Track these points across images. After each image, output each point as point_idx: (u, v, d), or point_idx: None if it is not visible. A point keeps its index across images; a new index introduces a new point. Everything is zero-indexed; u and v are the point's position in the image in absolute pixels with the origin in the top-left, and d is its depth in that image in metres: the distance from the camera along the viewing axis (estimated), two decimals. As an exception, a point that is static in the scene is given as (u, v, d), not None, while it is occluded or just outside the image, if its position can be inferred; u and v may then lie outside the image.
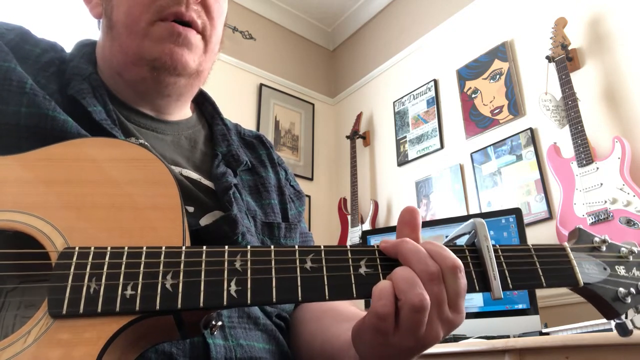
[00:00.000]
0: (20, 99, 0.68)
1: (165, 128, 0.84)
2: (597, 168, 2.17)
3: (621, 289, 0.63)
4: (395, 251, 0.55)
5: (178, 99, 0.85)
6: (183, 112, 0.90)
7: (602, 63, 2.42)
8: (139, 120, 0.81)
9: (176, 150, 0.83)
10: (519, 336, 1.76)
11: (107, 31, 0.81)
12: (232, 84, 3.58)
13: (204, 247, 0.52)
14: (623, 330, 0.63)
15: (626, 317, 0.63)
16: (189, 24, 0.78)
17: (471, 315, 2.05)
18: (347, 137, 3.77)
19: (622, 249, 0.67)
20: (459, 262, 0.54)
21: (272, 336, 0.74)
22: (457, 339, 1.84)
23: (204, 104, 0.98)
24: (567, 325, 1.67)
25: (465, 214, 2.85)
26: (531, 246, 0.62)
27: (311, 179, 3.87)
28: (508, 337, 1.74)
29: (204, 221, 0.73)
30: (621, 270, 0.65)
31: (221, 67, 3.50)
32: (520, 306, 1.99)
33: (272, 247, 0.54)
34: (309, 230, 1.04)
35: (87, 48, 0.85)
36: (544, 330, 1.77)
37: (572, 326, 1.64)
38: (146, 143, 0.76)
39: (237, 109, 3.55)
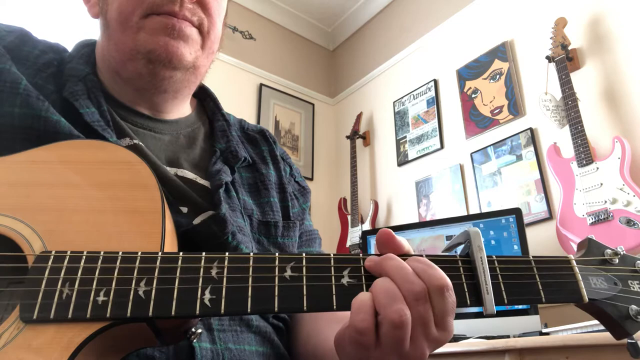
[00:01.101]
0: (13, 99, 0.68)
1: (163, 127, 0.84)
2: (597, 168, 2.16)
3: (633, 307, 0.58)
4: (379, 269, 0.53)
5: (175, 95, 0.84)
6: (182, 110, 0.90)
7: (602, 63, 2.41)
8: (135, 120, 0.81)
9: (174, 150, 0.82)
10: (519, 336, 1.75)
11: (103, 30, 0.81)
12: (232, 84, 3.57)
13: (181, 254, 0.50)
14: (636, 350, 0.58)
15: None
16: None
17: (471, 315, 2.04)
18: (347, 137, 3.76)
19: (638, 262, 0.61)
20: (447, 281, 0.51)
21: (266, 338, 0.73)
22: (457, 339, 1.84)
23: (205, 100, 0.97)
24: (567, 325, 1.66)
25: (465, 214, 2.83)
26: (532, 258, 0.58)
27: (311, 179, 3.86)
28: (508, 337, 1.74)
29: (197, 222, 0.72)
30: (635, 285, 0.60)
31: (221, 67, 3.50)
32: (520, 306, 1.98)
33: (251, 254, 0.52)
34: (310, 230, 1.02)
35: (86, 49, 0.85)
36: (544, 330, 1.76)
37: (572, 326, 1.63)
38: (140, 143, 0.75)
39: (237, 109, 3.53)
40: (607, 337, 1.35)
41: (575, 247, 2.14)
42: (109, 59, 0.81)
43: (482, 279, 0.53)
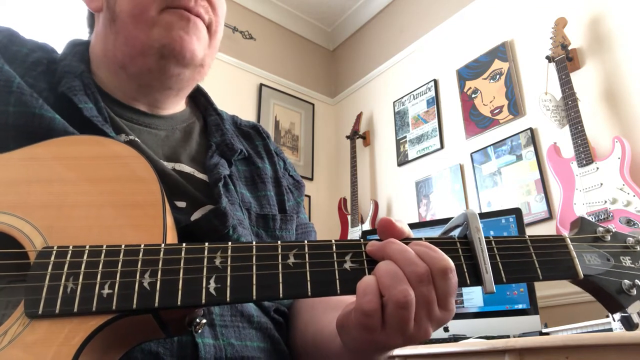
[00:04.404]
0: (7, 98, 0.68)
1: (158, 123, 0.84)
2: (597, 168, 2.16)
3: (626, 281, 0.60)
4: (382, 253, 0.54)
5: (177, 93, 0.85)
6: (178, 106, 0.90)
7: (602, 63, 2.41)
8: (131, 117, 0.81)
9: (170, 144, 0.82)
10: (519, 336, 1.75)
11: (108, 24, 0.80)
12: (232, 84, 3.58)
13: (183, 244, 0.51)
14: (629, 323, 0.59)
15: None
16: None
17: (471, 315, 2.04)
18: (347, 137, 3.77)
19: (629, 238, 0.63)
20: (449, 263, 0.52)
21: (267, 334, 0.73)
22: (457, 339, 1.83)
23: (197, 97, 0.97)
24: (567, 325, 1.66)
25: (465, 214, 2.83)
26: (528, 237, 0.59)
27: (311, 179, 3.86)
28: (508, 337, 1.74)
29: (196, 216, 0.72)
30: (627, 261, 0.62)
31: (221, 67, 3.50)
32: (520, 306, 1.98)
33: (254, 242, 0.53)
34: (309, 227, 1.02)
35: (79, 47, 0.85)
36: (544, 330, 1.76)
37: (572, 326, 1.63)
38: (136, 139, 0.75)
39: (237, 109, 3.54)
40: (607, 337, 1.35)
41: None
42: (113, 54, 0.80)
43: (480, 259, 0.55)
